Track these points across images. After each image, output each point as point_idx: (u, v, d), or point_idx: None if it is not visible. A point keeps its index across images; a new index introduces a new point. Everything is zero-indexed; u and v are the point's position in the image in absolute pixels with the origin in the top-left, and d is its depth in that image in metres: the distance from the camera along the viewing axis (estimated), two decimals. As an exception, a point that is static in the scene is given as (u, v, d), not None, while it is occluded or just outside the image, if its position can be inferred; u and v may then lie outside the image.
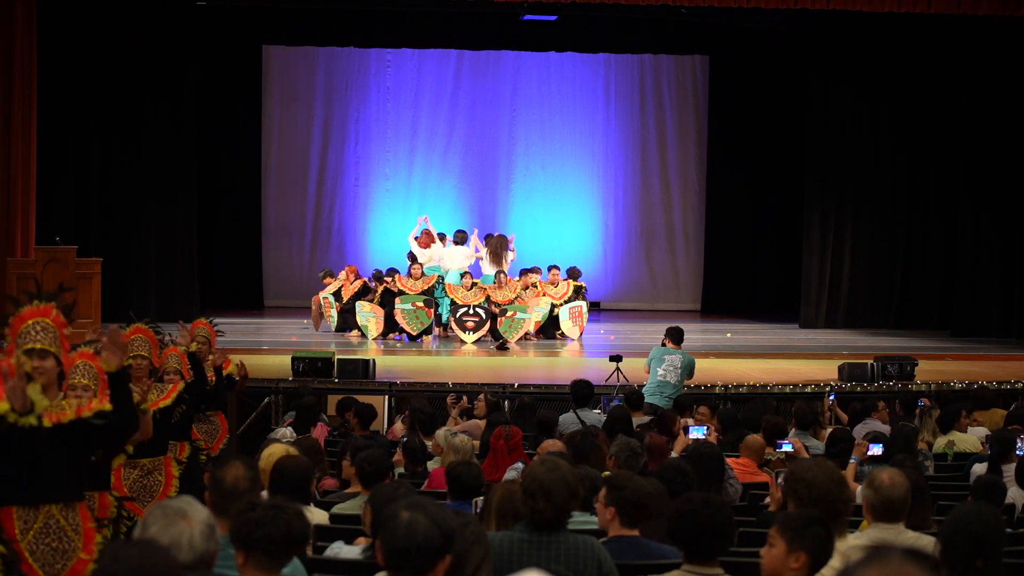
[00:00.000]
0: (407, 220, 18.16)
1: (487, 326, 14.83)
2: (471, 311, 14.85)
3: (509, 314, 14.88)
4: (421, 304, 14.80)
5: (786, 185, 19.00)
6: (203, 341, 8.40)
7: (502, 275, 15.34)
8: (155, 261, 16.66)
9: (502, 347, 14.39)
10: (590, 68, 19.63)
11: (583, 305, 15.52)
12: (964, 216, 17.06)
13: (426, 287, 15.12)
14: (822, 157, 17.51)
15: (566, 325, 15.41)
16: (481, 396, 9.67)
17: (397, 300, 14.92)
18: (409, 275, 15.31)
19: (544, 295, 15.47)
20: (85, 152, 16.47)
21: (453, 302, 15.03)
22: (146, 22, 16.39)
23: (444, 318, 15.29)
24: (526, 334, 15.18)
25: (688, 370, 10.55)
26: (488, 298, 15.04)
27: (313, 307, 15.87)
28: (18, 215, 14.45)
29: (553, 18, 17.80)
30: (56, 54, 15.53)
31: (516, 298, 15.18)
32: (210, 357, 8.17)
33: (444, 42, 19.06)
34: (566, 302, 15.52)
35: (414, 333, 14.83)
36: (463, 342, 14.85)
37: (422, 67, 19.36)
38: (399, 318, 14.85)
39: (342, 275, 15.85)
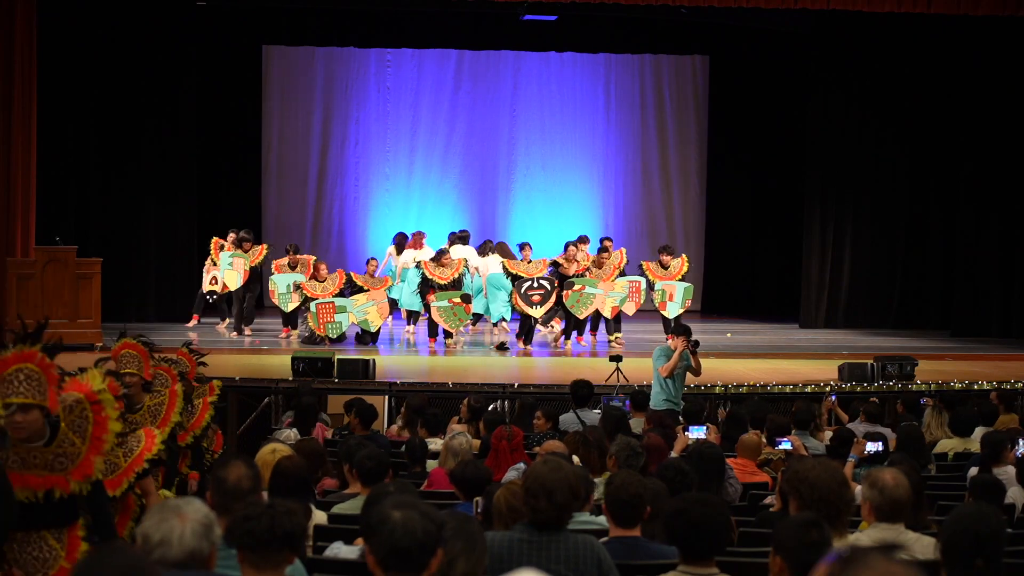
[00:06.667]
0: (407, 220, 18.19)
1: (552, 298, 14.13)
2: (535, 284, 14.18)
3: (577, 287, 14.20)
4: (458, 300, 14.12)
5: (786, 185, 18.99)
6: (134, 366, 6.36)
7: (528, 248, 14.68)
8: (155, 261, 16.65)
9: (502, 347, 14.37)
10: (590, 68, 19.62)
11: (641, 281, 14.74)
12: (964, 216, 17.05)
13: (455, 275, 14.30)
14: (822, 157, 17.50)
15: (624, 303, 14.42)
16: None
17: (431, 297, 14.12)
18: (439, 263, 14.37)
19: (621, 275, 14.56)
20: (85, 152, 16.47)
21: (516, 277, 14.28)
22: (146, 22, 16.39)
23: (488, 311, 14.97)
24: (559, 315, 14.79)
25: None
26: (555, 264, 14.37)
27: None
28: (18, 215, 14.43)
29: (553, 18, 17.80)
30: (56, 54, 15.53)
31: (587, 271, 14.45)
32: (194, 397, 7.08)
33: (444, 42, 19.06)
34: (622, 274, 14.70)
35: (454, 332, 14.12)
36: (534, 319, 14.23)
37: (422, 67, 19.35)
38: (436, 316, 14.14)
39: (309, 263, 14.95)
